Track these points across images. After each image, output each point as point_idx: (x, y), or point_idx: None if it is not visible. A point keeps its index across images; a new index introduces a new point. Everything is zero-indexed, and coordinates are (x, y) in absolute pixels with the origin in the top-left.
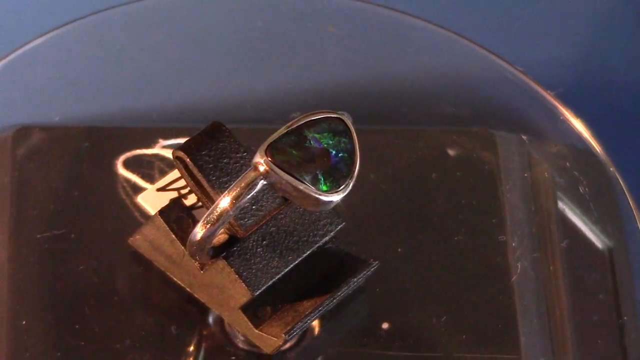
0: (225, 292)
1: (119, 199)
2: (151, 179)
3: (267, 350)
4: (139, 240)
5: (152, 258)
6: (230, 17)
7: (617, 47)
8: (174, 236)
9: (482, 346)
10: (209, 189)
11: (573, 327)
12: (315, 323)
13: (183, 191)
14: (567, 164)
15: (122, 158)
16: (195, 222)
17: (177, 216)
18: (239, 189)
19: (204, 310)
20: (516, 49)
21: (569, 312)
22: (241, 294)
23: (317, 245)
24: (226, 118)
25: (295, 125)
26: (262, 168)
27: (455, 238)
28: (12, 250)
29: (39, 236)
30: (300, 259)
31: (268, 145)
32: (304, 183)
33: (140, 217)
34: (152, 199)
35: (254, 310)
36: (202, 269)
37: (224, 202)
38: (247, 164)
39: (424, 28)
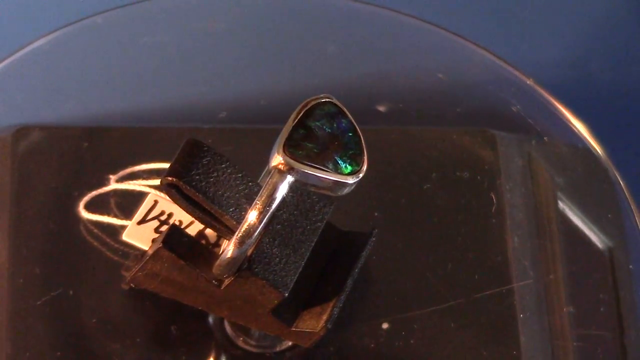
0: (251, 301)
1: (96, 243)
2: (115, 215)
3: (306, 344)
4: (140, 278)
5: (158, 290)
6: (230, 17)
7: (617, 47)
8: (183, 262)
9: (482, 346)
10: (209, 207)
11: (573, 327)
12: None
13: (162, 217)
14: (567, 164)
15: (82, 203)
16: (195, 243)
17: (180, 241)
18: (265, 197)
19: (204, 310)
20: (516, 49)
21: (569, 312)
22: (272, 298)
23: (320, 230)
24: (225, 118)
25: (298, 118)
26: (285, 168)
27: (455, 238)
28: (12, 250)
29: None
30: (311, 248)
31: (284, 144)
32: (329, 171)
33: (123, 255)
34: (137, 234)
35: (281, 311)
36: (221, 285)
37: (253, 215)
38: (234, 172)
39: (424, 28)
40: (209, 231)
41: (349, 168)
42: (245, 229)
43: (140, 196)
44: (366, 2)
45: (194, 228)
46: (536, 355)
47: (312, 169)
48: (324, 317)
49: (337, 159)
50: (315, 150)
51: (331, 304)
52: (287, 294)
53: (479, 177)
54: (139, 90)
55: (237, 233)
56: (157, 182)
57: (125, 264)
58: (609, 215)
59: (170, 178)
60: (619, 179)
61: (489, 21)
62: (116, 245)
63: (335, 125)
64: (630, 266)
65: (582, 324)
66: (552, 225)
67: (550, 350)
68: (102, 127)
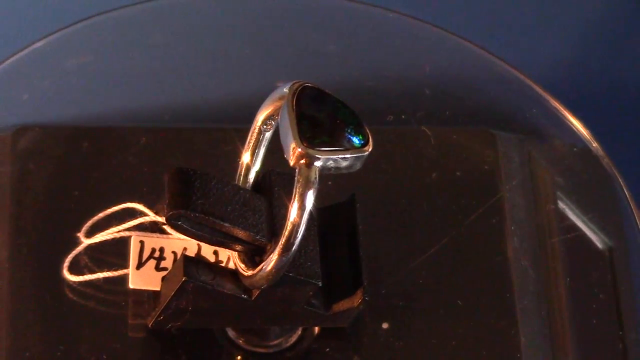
0: (285, 302)
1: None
2: (107, 269)
3: (345, 323)
4: (164, 319)
5: (185, 325)
6: (230, 17)
7: (617, 47)
8: (209, 288)
9: (482, 346)
10: (220, 226)
11: (573, 327)
12: None
13: (156, 255)
14: (567, 164)
15: (65, 265)
16: (209, 265)
17: (198, 269)
18: (299, 196)
19: (234, 327)
20: (516, 49)
21: (569, 312)
22: (307, 291)
23: (314, 211)
24: (225, 118)
25: (296, 110)
26: (309, 160)
27: (455, 238)
28: (12, 249)
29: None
30: (316, 231)
31: (300, 138)
32: (348, 149)
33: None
34: (141, 279)
35: (312, 301)
36: (252, 297)
37: (293, 214)
38: (223, 185)
39: (423, 28)
40: (204, 251)
41: (360, 141)
42: (288, 234)
43: (118, 242)
44: (366, 2)
45: (190, 253)
46: (536, 354)
47: (334, 153)
48: (358, 292)
49: (348, 135)
50: (327, 135)
51: (357, 278)
52: (320, 283)
53: (479, 177)
54: (139, 90)
55: (281, 241)
56: (129, 224)
57: (129, 313)
58: (609, 215)
59: (175, 211)
60: (619, 179)
61: (489, 21)
62: (113, 298)
63: (327, 105)
64: (630, 266)
65: (582, 324)
66: (552, 225)
67: (551, 350)
68: (102, 127)
